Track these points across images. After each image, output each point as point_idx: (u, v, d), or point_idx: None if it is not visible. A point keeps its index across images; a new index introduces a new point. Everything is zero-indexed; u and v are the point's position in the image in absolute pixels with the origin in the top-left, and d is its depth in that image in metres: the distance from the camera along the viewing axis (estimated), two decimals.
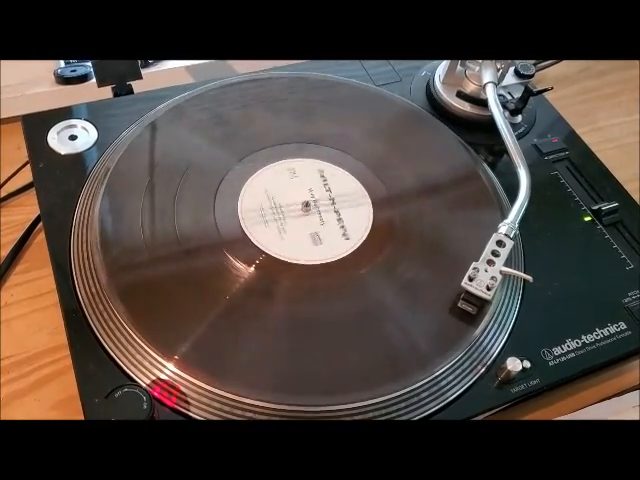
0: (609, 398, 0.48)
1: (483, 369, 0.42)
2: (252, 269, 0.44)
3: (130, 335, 0.40)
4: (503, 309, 0.44)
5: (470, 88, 0.56)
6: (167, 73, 0.62)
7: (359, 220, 0.47)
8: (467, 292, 0.43)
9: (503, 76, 0.55)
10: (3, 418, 0.43)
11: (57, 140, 0.50)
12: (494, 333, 0.43)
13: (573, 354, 0.44)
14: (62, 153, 0.49)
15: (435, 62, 0.60)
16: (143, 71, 0.55)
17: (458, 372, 0.41)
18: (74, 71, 0.60)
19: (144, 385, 0.38)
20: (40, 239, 0.53)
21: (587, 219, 0.51)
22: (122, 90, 0.54)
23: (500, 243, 0.44)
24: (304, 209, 0.47)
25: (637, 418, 0.46)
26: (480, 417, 0.41)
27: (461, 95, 0.56)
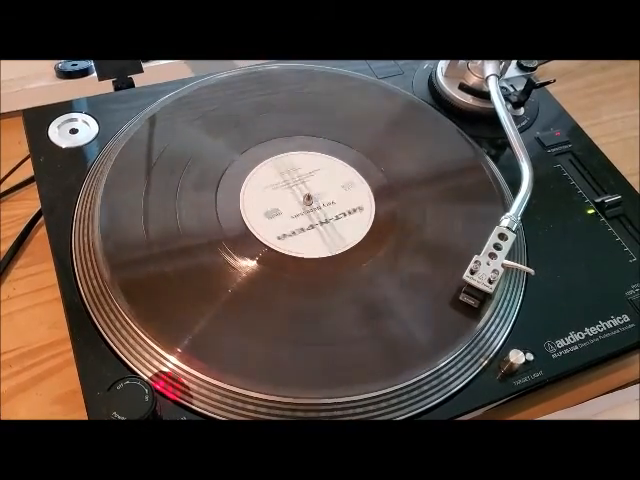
0: (611, 391, 0.48)
1: (486, 362, 0.42)
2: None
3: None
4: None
5: (472, 81, 0.55)
6: (168, 66, 0.62)
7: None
8: (469, 285, 0.42)
9: (505, 69, 0.55)
10: (5, 412, 0.43)
11: (58, 134, 0.50)
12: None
13: (576, 347, 0.44)
14: (63, 147, 0.49)
15: None
16: (144, 65, 0.55)
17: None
18: (75, 65, 0.60)
19: (146, 378, 0.38)
20: (41, 233, 0.53)
21: (590, 212, 0.51)
22: (123, 84, 0.54)
23: (502, 236, 0.44)
24: (306, 202, 0.47)
25: (638, 411, 0.46)
26: (482, 410, 0.41)
27: (463, 88, 0.55)
